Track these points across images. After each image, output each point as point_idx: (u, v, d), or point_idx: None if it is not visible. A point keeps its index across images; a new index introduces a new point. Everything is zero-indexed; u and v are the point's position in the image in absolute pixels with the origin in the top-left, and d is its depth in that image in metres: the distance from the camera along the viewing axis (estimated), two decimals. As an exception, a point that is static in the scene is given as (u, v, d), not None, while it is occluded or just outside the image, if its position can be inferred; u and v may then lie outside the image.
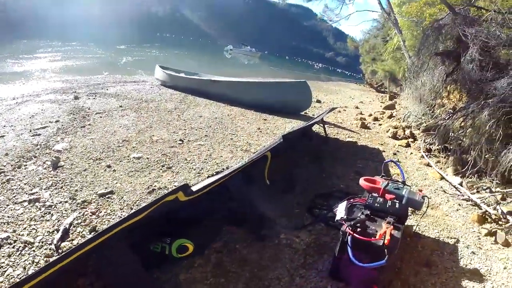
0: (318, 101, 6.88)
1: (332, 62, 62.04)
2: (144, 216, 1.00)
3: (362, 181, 1.65)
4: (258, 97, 4.90)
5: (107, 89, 5.86)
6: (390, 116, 5.70)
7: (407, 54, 7.13)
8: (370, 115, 6.05)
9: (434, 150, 3.68)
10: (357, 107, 7.11)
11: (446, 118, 3.62)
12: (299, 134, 2.69)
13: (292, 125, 4.32)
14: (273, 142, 2.16)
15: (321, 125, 3.67)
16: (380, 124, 5.31)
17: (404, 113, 5.16)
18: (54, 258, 1.08)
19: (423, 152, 3.66)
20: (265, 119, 4.50)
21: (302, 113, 5.22)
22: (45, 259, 1.52)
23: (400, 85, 9.72)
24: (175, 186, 2.23)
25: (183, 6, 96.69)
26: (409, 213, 1.90)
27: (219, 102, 5.24)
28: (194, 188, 1.22)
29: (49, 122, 3.71)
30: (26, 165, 2.49)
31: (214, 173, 2.46)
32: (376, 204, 1.37)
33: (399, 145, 4.10)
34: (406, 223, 1.56)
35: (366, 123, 5.02)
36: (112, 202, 2.05)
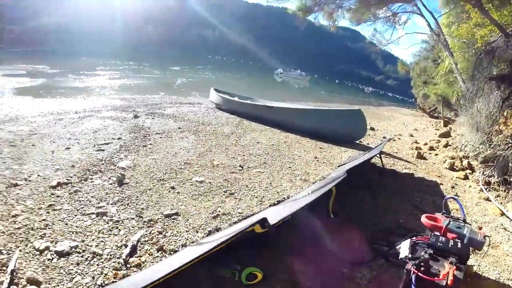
0: (372, 129, 10.18)
1: (382, 86, 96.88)
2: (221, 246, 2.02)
3: (423, 219, 2.72)
4: (313, 124, 7.96)
5: (165, 110, 9.92)
6: (446, 145, 9.16)
7: (460, 78, 11.38)
8: (426, 144, 9.61)
9: (494, 183, 5.69)
10: (411, 135, 10.82)
11: (505, 149, 5.70)
12: (360, 166, 4.26)
13: (348, 154, 6.69)
14: (337, 176, 3.57)
15: (378, 155, 5.64)
16: (436, 154, 8.39)
17: (460, 142, 8.21)
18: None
19: (482, 185, 5.80)
20: (321, 148, 7.01)
21: (357, 141, 8.12)
22: (113, 271, 2.65)
23: (455, 110, 15.11)
24: (238, 213, 3.69)
25: (233, 29, 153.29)
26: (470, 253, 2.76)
27: (274, 128, 8.28)
28: (271, 222, 2.20)
29: (112, 138, 6.45)
30: (92, 178, 4.33)
31: (276, 202, 3.97)
32: (439, 244, 2.31)
33: (457, 177, 6.47)
34: (467, 263, 2.41)
35: (422, 153, 7.97)
36: (178, 223, 3.42)
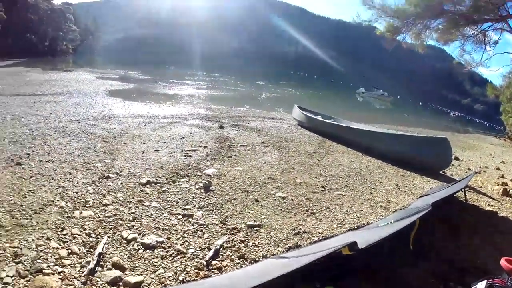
0: (456, 159, 10.01)
1: (469, 110, 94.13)
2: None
3: (503, 261, 2.83)
4: (396, 150, 8.24)
5: (248, 123, 10.73)
6: (537, 184, 9.00)
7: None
8: (513, 180, 9.45)
9: None
10: (498, 168, 10.20)
11: None
12: (442, 200, 4.38)
13: (430, 184, 6.74)
14: (421, 208, 3.78)
15: (462, 190, 5.61)
16: (524, 193, 8.44)
17: (553, 181, 8.27)
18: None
19: None
20: (402, 175, 7.15)
21: (440, 171, 8.12)
22: (195, 270, 2.96)
23: (550, 142, 16.24)
24: (319, 233, 3.91)
25: (316, 46, 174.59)
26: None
27: (356, 150, 8.62)
28: (360, 246, 2.39)
29: (198, 146, 7.09)
30: (180, 182, 4.91)
31: (356, 227, 4.17)
32: (514, 288, 2.49)
33: (545, 220, 6.47)
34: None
35: (508, 190, 7.43)
36: (260, 235, 3.70)
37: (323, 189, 5.38)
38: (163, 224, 3.61)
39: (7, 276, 2.59)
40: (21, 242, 3.03)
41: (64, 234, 3.19)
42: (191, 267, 2.96)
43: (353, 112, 26.52)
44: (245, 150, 7.17)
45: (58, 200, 3.86)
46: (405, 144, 8.28)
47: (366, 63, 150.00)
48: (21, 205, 3.74)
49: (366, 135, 9.16)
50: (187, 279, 2.79)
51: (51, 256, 2.86)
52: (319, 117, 11.48)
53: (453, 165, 9.02)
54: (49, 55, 77.54)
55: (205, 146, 6.94)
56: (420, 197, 5.66)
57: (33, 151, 5.95)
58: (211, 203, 4.23)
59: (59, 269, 2.70)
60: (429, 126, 24.93)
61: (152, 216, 3.71)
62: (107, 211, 3.68)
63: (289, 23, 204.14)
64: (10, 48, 73.30)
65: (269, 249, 3.38)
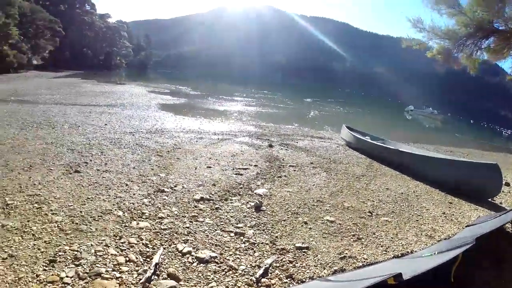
0: (507, 184, 9.26)
1: None
2: None
3: None
4: (444, 175, 8.08)
5: (297, 142, 10.81)
6: None
7: None
8: None
9: None
10: None
11: None
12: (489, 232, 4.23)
13: (478, 213, 6.47)
14: (465, 242, 3.68)
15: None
16: None
17: None
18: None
19: None
20: (450, 202, 6.92)
21: (489, 199, 7.76)
22: (246, 286, 3.05)
23: None
24: (364, 258, 3.89)
25: (364, 62, 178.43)
26: None
27: (404, 174, 8.53)
28: (404, 277, 2.42)
29: (249, 164, 7.21)
30: (232, 200, 5.05)
31: (399, 255, 4.12)
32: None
33: None
34: None
35: None
36: (308, 257, 3.74)
37: (370, 214, 5.37)
38: (216, 240, 3.73)
39: (67, 276, 2.81)
40: (81, 246, 3.26)
41: (122, 242, 3.39)
42: (242, 283, 3.06)
43: (400, 131, 26.28)
44: (294, 170, 7.22)
45: (116, 210, 4.10)
46: (453, 169, 8.16)
47: (415, 78, 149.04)
48: (81, 211, 4.00)
49: (414, 159, 9.14)
50: (237, 294, 2.89)
51: (109, 262, 3.05)
52: (367, 138, 11.46)
53: (503, 191, 8.66)
54: (104, 69, 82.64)
55: (255, 165, 7.07)
56: (466, 226, 5.50)
57: (91, 160, 6.32)
58: (262, 223, 4.33)
59: (117, 275, 2.89)
60: (480, 147, 24.19)
61: (206, 232, 3.84)
62: (163, 223, 3.86)
63: (335, 39, 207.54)
64: (67, 61, 79.04)
65: (315, 271, 3.44)
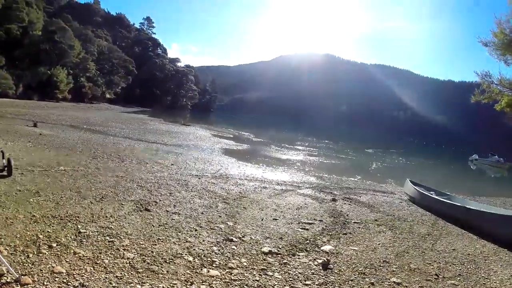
0: None
1: None
2: None
3: None
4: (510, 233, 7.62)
5: (360, 196, 10.69)
6: None
7: None
8: None
9: None
10: None
11: None
12: None
13: None
14: None
15: None
16: None
17: None
18: None
19: None
20: None
21: None
22: None
23: None
24: None
25: (426, 110, 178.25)
26: None
27: (470, 232, 8.17)
28: None
29: (314, 219, 7.16)
30: (299, 255, 5.00)
31: None
32: None
33: None
34: None
35: None
36: None
37: (436, 277, 5.16)
38: (287, 296, 3.66)
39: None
40: (153, 286, 3.34)
41: (193, 289, 3.40)
42: None
43: (464, 182, 25.29)
44: (359, 228, 7.09)
45: (186, 254, 4.17)
46: None
47: (481, 126, 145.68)
48: (152, 252, 4.12)
49: (483, 217, 8.71)
50: None
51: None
52: (432, 194, 11.10)
53: None
54: (170, 109, 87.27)
55: (320, 220, 7.00)
56: None
57: (160, 200, 6.56)
58: (329, 282, 4.24)
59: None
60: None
61: (275, 286, 3.79)
62: (233, 274, 3.87)
63: (397, 87, 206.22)
64: (137, 98, 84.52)
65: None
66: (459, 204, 9.83)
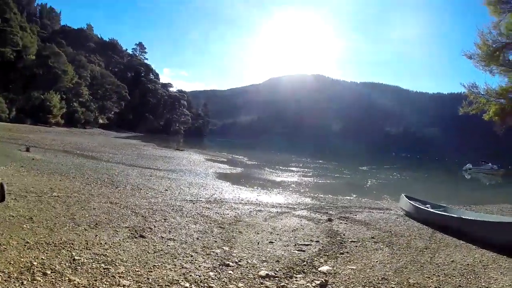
0: None
1: None
2: None
3: None
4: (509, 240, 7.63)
5: (356, 215, 10.70)
6: None
7: None
8: None
9: None
10: None
11: None
12: None
13: None
14: None
15: None
16: None
17: None
18: None
19: None
20: None
21: None
22: None
23: None
24: None
25: (417, 123, 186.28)
26: None
27: (468, 242, 8.12)
28: None
29: (310, 240, 7.12)
30: (297, 277, 4.95)
31: None
32: None
33: None
34: None
35: None
36: None
37: None
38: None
39: None
40: (150, 316, 3.27)
41: (191, 317, 3.37)
42: None
43: (460, 192, 25.73)
44: (356, 246, 7.06)
45: (182, 281, 4.13)
46: None
47: (472, 135, 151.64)
48: (148, 278, 4.08)
49: (479, 226, 8.79)
50: None
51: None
52: (428, 207, 11.17)
53: None
54: (163, 133, 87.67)
55: (316, 241, 6.99)
56: None
57: (155, 226, 6.53)
58: (330, 305, 4.15)
59: None
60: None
61: (274, 312, 3.73)
62: (230, 301, 3.78)
63: (387, 102, 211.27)
64: (130, 123, 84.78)
65: None
66: (454, 215, 9.92)
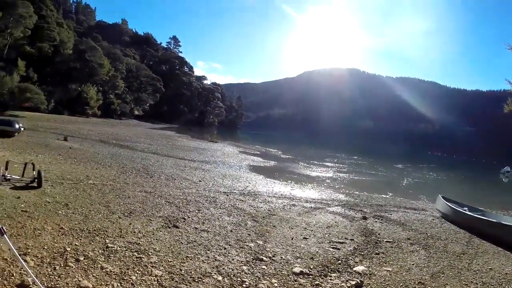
0: None
1: None
2: None
3: None
4: None
5: (391, 214, 10.46)
6: None
7: None
8: None
9: None
10: None
11: None
12: None
13: None
14: None
15: None
16: None
17: None
18: None
19: None
20: None
21: None
22: None
23: None
24: None
25: (453, 122, 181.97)
26: None
27: (507, 250, 7.76)
28: None
29: (345, 238, 6.95)
30: (331, 276, 4.82)
31: None
32: None
33: None
34: None
35: None
36: None
37: None
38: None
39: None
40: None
41: (223, 310, 3.31)
42: None
43: (496, 197, 24.30)
44: (392, 247, 6.86)
45: (215, 274, 4.09)
46: None
47: (506, 137, 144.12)
48: (180, 269, 4.06)
49: None
50: None
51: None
52: (465, 210, 10.78)
53: None
54: (197, 125, 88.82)
55: (351, 239, 6.84)
56: None
57: (188, 217, 6.54)
58: (364, 305, 4.01)
59: None
60: None
61: (307, 310, 3.63)
62: (262, 296, 3.71)
63: (422, 99, 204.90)
64: (165, 114, 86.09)
65: None
66: (494, 220, 9.51)
